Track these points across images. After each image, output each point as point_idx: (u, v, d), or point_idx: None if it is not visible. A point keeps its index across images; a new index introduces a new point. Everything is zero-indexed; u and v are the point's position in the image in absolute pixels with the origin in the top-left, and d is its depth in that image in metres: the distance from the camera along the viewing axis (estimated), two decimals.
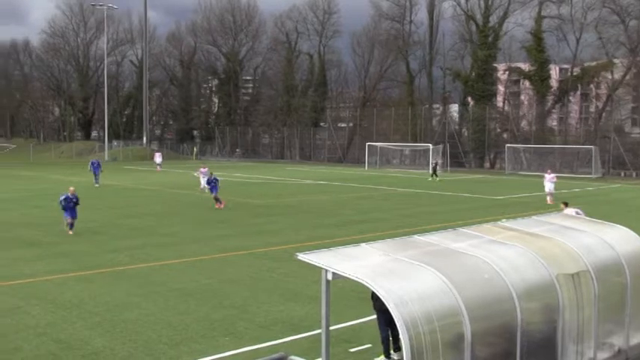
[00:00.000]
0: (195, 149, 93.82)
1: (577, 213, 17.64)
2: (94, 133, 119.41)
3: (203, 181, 36.24)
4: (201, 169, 39.12)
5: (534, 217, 10.74)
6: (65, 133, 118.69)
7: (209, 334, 11.75)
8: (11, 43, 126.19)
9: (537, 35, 70.33)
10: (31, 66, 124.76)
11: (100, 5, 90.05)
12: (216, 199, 31.06)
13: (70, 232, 22.50)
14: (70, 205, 22.70)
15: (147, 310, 13.22)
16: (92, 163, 45.18)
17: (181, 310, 13.31)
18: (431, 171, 52.61)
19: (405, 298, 6.50)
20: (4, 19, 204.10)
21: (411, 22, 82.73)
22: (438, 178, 49.92)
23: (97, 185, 42.36)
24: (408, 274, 7.16)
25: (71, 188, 23.48)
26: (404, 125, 77.80)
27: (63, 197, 22.71)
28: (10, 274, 16.49)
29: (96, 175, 43.76)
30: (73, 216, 22.85)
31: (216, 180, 31.76)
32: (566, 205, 19.74)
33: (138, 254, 19.22)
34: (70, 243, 21.10)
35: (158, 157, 66.39)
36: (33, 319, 12.59)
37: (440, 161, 57.88)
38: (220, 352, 10.84)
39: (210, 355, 10.70)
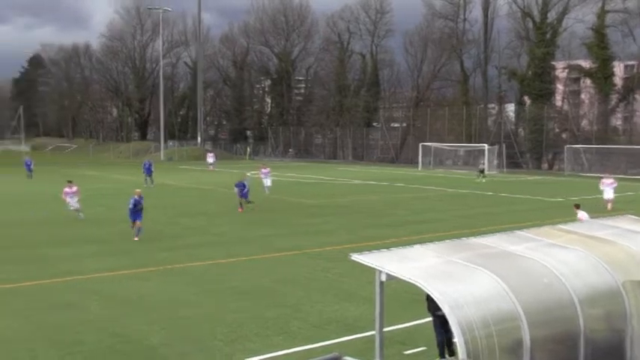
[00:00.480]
0: (248, 149, 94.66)
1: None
2: (150, 134, 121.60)
3: (266, 182, 36.39)
4: (263, 170, 38.11)
5: (597, 220, 10.48)
6: (123, 134, 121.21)
7: (263, 333, 11.84)
8: (73, 47, 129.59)
9: (600, 31, 68.20)
10: (91, 69, 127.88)
11: (156, 8, 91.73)
12: (243, 203, 29.92)
13: (136, 239, 21.46)
14: (138, 209, 21.90)
15: (202, 308, 13.40)
16: (144, 164, 45.63)
17: (235, 308, 13.45)
18: (478, 172, 52.13)
19: (460, 301, 6.43)
20: (68, 25, 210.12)
21: (465, 20, 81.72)
22: (479, 180, 49.52)
23: (148, 185, 42.33)
24: (464, 276, 7.07)
25: (137, 190, 23.11)
26: (458, 125, 76.86)
27: (132, 202, 21.77)
28: (74, 269, 16.94)
29: (149, 175, 43.93)
30: (138, 219, 21.94)
31: (244, 185, 30.09)
32: (578, 207, 19.30)
33: (193, 253, 19.50)
34: (129, 241, 21.51)
35: (210, 158, 67.05)
36: (94, 314, 12.91)
37: (485, 162, 57.15)
38: (274, 351, 10.91)
39: (264, 354, 10.78)
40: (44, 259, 18.45)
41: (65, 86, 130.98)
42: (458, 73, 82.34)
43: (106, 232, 23.52)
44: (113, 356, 10.59)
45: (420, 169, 68.00)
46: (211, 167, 64.60)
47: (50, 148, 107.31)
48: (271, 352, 10.85)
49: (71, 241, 21.32)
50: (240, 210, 29.50)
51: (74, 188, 26.85)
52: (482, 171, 51.69)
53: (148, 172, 44.33)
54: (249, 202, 30.11)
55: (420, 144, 71.71)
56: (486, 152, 61.85)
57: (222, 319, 12.60)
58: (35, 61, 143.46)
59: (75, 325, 12.14)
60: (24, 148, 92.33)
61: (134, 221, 21.90)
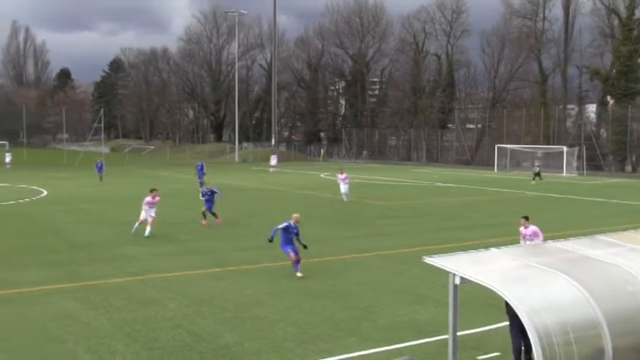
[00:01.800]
0: (322, 151, 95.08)
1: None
2: (225, 135, 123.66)
3: (343, 188, 34.41)
4: (340, 175, 35.16)
5: None
6: (199, 135, 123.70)
7: (335, 334, 11.83)
8: (151, 51, 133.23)
9: None
10: (168, 72, 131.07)
11: (232, 12, 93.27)
12: (213, 214, 25.69)
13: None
14: (291, 236, 16.78)
15: (274, 308, 13.49)
16: (197, 166, 44.85)
17: (308, 309, 13.48)
18: (534, 174, 50.91)
19: (537, 306, 6.23)
20: (150, 30, 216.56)
21: (544, 18, 79.84)
22: (534, 182, 48.44)
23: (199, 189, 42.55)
24: (541, 281, 6.86)
25: (295, 215, 17.56)
26: (536, 127, 75.07)
27: (282, 226, 16.79)
28: (151, 268, 17.36)
29: (199, 178, 42.87)
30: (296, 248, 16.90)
31: (213, 192, 26.15)
32: (527, 219, 16.54)
33: (266, 253, 19.64)
34: (204, 241, 21.90)
35: (273, 160, 65.89)
36: (169, 312, 13.18)
37: (539, 164, 55.63)
38: (346, 353, 10.87)
39: (337, 355, 10.76)
40: (120, 258, 18.95)
41: (143, 89, 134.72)
42: (536, 74, 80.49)
43: (178, 232, 23.98)
44: (188, 354, 10.77)
45: (495, 171, 66.77)
46: (272, 170, 63.11)
47: (128, 149, 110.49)
48: (344, 354, 10.82)
49: (146, 241, 21.83)
50: (204, 223, 25.33)
51: (157, 198, 23.24)
52: (537, 173, 50.57)
53: (200, 174, 43.42)
54: (214, 214, 25.65)
55: (496, 145, 70.39)
56: (565, 154, 60.20)
57: (294, 320, 12.66)
58: (115, 65, 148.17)
59: (152, 323, 12.42)
60: (103, 149, 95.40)
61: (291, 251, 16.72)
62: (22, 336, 11.63)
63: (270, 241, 16.66)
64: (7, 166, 67.33)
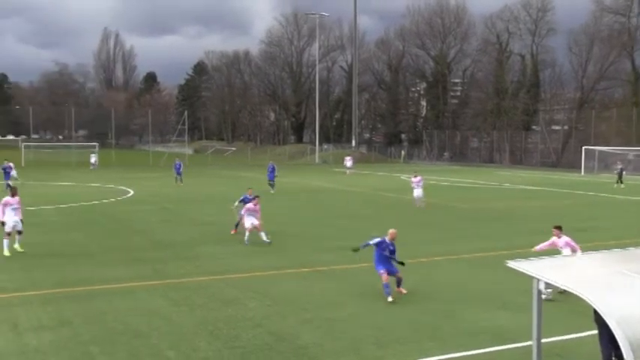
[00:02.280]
0: (403, 152, 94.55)
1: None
2: (305, 137, 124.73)
3: (417, 192, 32.61)
4: (413, 179, 33.43)
5: None
6: (279, 137, 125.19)
7: (414, 337, 11.70)
8: (234, 54, 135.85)
9: None
10: (250, 74, 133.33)
11: (313, 14, 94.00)
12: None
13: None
14: (385, 253, 14.86)
15: (354, 310, 13.46)
16: (268, 167, 44.17)
17: (387, 311, 13.39)
18: (616, 177, 48.80)
19: (629, 316, 5.95)
20: (233, 33, 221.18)
21: (638, 14, 76.81)
22: (622, 185, 46.62)
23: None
24: (633, 289, 6.55)
25: (391, 231, 15.37)
26: (627, 128, 72.34)
27: (375, 241, 14.87)
28: (232, 267, 17.60)
29: (271, 181, 42.32)
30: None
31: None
32: (560, 229, 15.20)
33: (347, 255, 19.62)
34: (285, 240, 22.05)
35: (349, 161, 64.52)
36: (250, 311, 13.34)
37: (622, 166, 53.20)
38: (425, 356, 10.73)
39: (415, 359, 10.63)
40: (203, 256, 19.33)
41: (226, 91, 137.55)
42: (628, 72, 77.58)
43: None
44: (268, 353, 10.86)
45: (582, 173, 64.67)
46: (348, 172, 61.76)
47: (211, 150, 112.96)
48: (423, 358, 10.68)
49: (228, 240, 22.18)
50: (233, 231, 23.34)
51: (258, 206, 21.70)
52: (620, 175, 48.56)
53: (270, 176, 42.63)
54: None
55: (584, 147, 68.14)
56: None
57: (374, 322, 12.59)
58: (199, 68, 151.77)
59: (233, 321, 12.60)
60: (187, 150, 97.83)
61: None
62: (110, 329, 12.02)
63: (355, 250, 15.30)
64: (92, 167, 69.53)
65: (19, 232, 19.56)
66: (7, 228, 19.24)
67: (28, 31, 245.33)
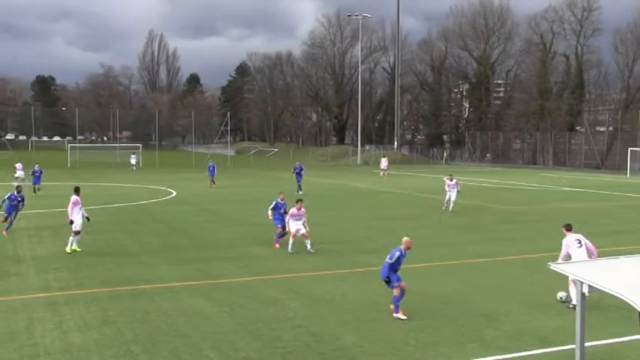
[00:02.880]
0: (445, 154, 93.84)
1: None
2: (348, 138, 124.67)
3: (452, 195, 31.23)
4: (449, 181, 32.07)
5: None
6: (321, 138, 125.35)
7: (456, 340, 11.62)
8: (276, 55, 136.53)
9: None
10: (292, 75, 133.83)
11: (356, 15, 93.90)
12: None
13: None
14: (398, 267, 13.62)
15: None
16: (295, 168, 43.59)
17: (428, 313, 13.33)
18: None
19: None
20: (277, 35, 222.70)
21: None
22: None
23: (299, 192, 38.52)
24: None
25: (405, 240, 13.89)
26: None
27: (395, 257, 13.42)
28: (273, 268, 17.70)
29: (298, 181, 42.14)
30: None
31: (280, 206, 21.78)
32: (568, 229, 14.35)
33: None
34: (325, 242, 22.06)
35: (384, 162, 61.81)
36: (291, 312, 13.41)
37: None
38: (467, 359, 10.66)
39: None
40: (245, 257, 19.48)
41: (268, 93, 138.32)
42: None
43: None
44: (308, 354, 10.91)
45: (628, 175, 63.36)
46: (382, 173, 59.53)
47: (253, 152, 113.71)
48: None
49: (265, 242, 22.29)
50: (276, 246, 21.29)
51: (302, 210, 20.24)
52: None
53: (297, 178, 42.44)
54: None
55: (629, 149, 66.78)
56: None
57: (415, 323, 12.55)
58: (242, 70, 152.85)
59: (273, 322, 12.68)
60: (230, 152, 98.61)
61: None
62: (152, 329, 12.19)
63: (387, 282, 13.32)
64: (134, 168, 70.13)
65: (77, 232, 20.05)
66: (76, 227, 19.85)
67: (76, 34, 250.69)
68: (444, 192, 32.24)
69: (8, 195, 23.51)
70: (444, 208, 31.51)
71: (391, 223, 27.18)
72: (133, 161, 72.15)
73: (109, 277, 16.54)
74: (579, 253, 13.48)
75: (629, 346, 11.11)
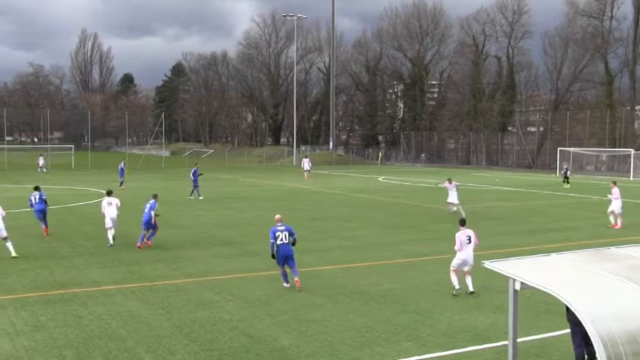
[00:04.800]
0: (380, 154, 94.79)
1: None
2: (283, 139, 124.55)
3: (452, 196, 30.65)
4: (448, 185, 31.40)
5: None
6: (257, 139, 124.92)
7: (392, 338, 11.72)
8: (211, 56, 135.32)
9: None
10: (227, 76, 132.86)
11: (291, 16, 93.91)
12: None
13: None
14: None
15: (331, 311, 13.45)
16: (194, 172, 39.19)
17: (364, 312, 13.40)
18: (562, 177, 50.27)
19: (602, 314, 6.01)
20: (213, 35, 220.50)
21: (611, 17, 77.72)
22: (568, 185, 48.18)
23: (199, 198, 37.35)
24: (606, 288, 6.61)
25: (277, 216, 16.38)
26: (601, 129, 73.20)
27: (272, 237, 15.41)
28: (208, 270, 17.55)
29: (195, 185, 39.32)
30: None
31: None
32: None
33: (323, 256, 19.67)
34: (260, 243, 21.96)
35: (306, 163, 59.81)
36: (227, 314, 13.28)
37: (568, 166, 54.15)
38: (403, 357, 10.76)
39: (394, 359, 10.65)
40: (179, 259, 19.22)
41: (203, 93, 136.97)
42: (601, 74, 78.45)
43: (235, 234, 24.18)
44: (245, 355, 10.83)
45: (557, 174, 65.22)
46: (306, 175, 57.71)
47: (188, 153, 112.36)
48: (401, 358, 10.71)
49: (204, 243, 22.10)
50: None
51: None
52: (566, 176, 49.95)
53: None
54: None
55: (559, 149, 68.85)
56: (632, 157, 58.47)
57: (350, 324, 12.59)
58: (177, 70, 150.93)
59: (209, 324, 12.54)
60: (164, 152, 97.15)
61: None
62: (86, 333, 11.90)
63: (273, 257, 15.40)
64: (43, 170, 66.51)
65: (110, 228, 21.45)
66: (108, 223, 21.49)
67: (4, 31, 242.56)
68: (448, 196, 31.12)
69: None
70: (454, 209, 30.20)
71: (327, 224, 27.26)
72: (40, 163, 68.12)
73: (40, 282, 16.06)
74: (467, 248, 14.95)
75: (557, 340, 11.41)
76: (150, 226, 20.99)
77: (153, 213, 21.00)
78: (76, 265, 18.17)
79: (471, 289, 14.86)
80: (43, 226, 23.83)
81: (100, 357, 10.69)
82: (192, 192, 38.28)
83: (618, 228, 25.97)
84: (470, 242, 15.02)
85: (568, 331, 9.96)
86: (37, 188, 24.46)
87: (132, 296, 14.64)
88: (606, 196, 29.21)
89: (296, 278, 15.24)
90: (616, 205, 26.80)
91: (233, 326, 12.41)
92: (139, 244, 20.86)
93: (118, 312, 13.34)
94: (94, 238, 22.99)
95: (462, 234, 15.07)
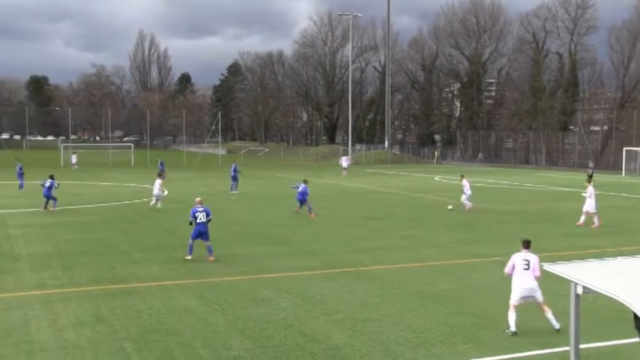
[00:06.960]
0: (436, 153, 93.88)
1: None
2: (338, 137, 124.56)
3: (463, 197, 31.39)
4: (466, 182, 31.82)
5: None
6: (312, 137, 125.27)
7: (448, 340, 11.54)
8: (268, 55, 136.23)
9: None
10: (283, 75, 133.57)
11: (347, 15, 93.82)
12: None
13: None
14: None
15: (386, 311, 13.34)
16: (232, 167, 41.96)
17: (420, 313, 13.25)
18: (586, 176, 47.87)
19: None
20: (273, 34, 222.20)
21: None
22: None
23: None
24: None
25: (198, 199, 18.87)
26: None
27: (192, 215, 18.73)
28: (263, 267, 17.61)
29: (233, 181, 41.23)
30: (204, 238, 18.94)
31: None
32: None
33: (378, 255, 19.54)
34: (315, 242, 22.03)
35: (345, 161, 60.24)
36: (282, 311, 13.31)
37: (593, 165, 51.58)
38: (460, 359, 10.59)
39: None
40: (235, 257, 19.35)
41: (259, 92, 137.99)
42: None
43: (291, 233, 24.23)
44: (299, 353, 10.82)
45: (623, 175, 63.42)
46: (344, 173, 57.69)
47: (244, 151, 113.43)
48: None
49: (260, 241, 22.21)
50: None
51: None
52: (590, 175, 47.56)
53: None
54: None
55: (624, 148, 66.66)
56: None
57: (406, 324, 12.46)
58: (233, 69, 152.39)
59: (264, 321, 12.58)
60: (220, 151, 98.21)
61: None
62: (145, 327, 12.13)
63: (191, 224, 18.74)
64: (73, 167, 67.35)
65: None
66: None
67: (74, 34, 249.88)
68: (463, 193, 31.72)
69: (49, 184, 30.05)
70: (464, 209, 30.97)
71: (381, 223, 27.10)
72: (73, 160, 69.15)
73: (102, 276, 16.45)
74: (524, 276, 12.16)
75: (624, 347, 11.04)
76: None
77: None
78: (136, 261, 18.52)
79: (555, 326, 11.98)
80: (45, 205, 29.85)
81: (159, 350, 10.86)
82: (234, 186, 41.08)
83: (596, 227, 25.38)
84: (528, 269, 12.17)
85: (634, 340, 9.62)
86: (51, 177, 30.56)
87: (188, 292, 14.82)
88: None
89: (211, 257, 18.41)
90: (589, 205, 26.26)
91: (288, 324, 12.42)
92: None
93: (175, 307, 13.52)
94: (153, 235, 23.40)
95: (519, 256, 12.36)
